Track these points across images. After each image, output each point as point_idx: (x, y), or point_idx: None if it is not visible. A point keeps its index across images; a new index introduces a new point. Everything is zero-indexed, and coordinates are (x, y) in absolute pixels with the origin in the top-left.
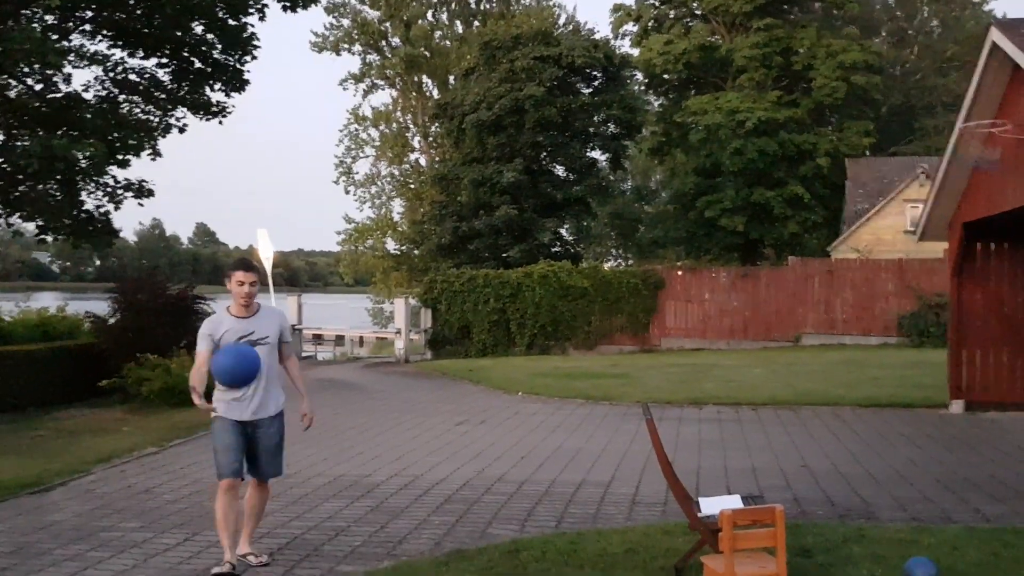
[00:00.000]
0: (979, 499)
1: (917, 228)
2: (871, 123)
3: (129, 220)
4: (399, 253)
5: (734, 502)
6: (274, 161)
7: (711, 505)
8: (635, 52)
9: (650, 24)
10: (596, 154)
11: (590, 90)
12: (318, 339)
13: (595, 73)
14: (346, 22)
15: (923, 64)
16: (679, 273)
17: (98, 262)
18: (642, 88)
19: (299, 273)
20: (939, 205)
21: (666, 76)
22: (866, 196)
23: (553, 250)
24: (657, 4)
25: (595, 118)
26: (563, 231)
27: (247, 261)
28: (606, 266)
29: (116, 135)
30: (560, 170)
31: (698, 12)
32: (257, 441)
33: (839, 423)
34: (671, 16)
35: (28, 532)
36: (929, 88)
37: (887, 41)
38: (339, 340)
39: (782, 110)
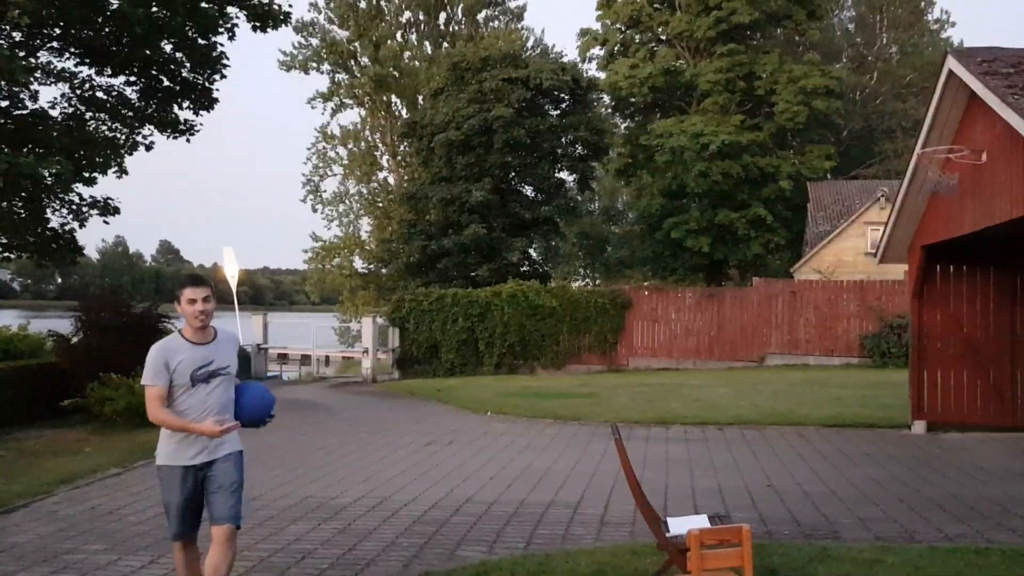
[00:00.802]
0: (941, 519)
1: (878, 250)
2: (832, 147)
3: (92, 237)
4: (367, 272)
5: (701, 522)
6: (240, 178)
7: (679, 525)
8: (602, 75)
9: (616, 48)
10: (564, 175)
11: (558, 112)
12: (283, 359)
13: (563, 95)
14: (315, 41)
15: (883, 89)
16: (646, 293)
17: (60, 280)
18: (609, 110)
19: (264, 291)
20: (899, 228)
21: (632, 99)
22: (828, 218)
23: (522, 269)
24: (623, 29)
25: (563, 139)
26: (532, 251)
27: (197, 276)
28: (574, 286)
29: (82, 152)
30: (529, 190)
31: (663, 37)
32: (212, 478)
33: (803, 443)
34: (636, 41)
35: None
36: (889, 113)
37: (847, 67)
38: (305, 359)
39: (745, 133)
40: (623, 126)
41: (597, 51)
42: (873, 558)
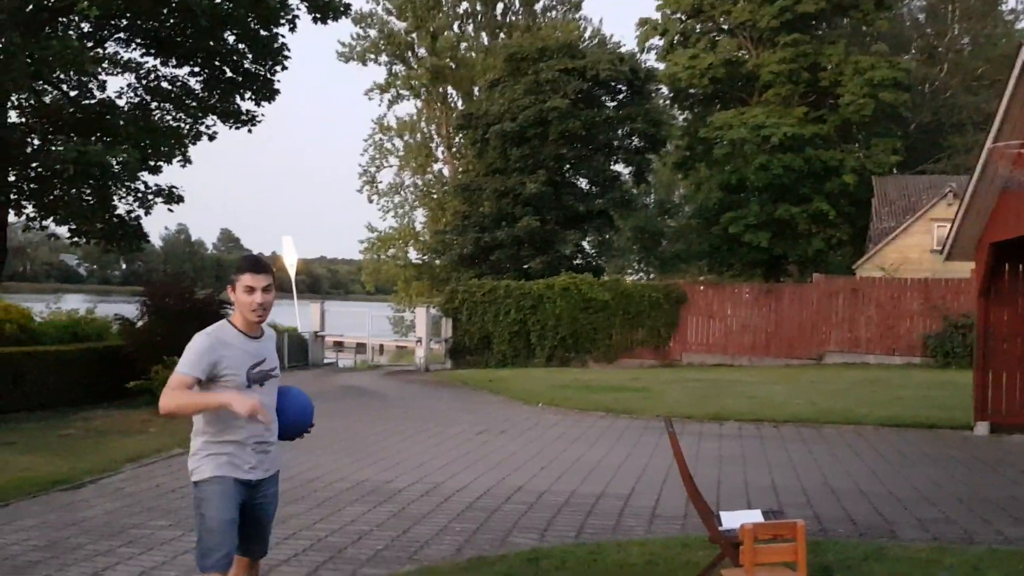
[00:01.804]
0: (1001, 520)
1: (944, 247)
2: (899, 141)
3: (155, 225)
4: (421, 263)
5: (755, 516)
6: (299, 169)
7: (732, 519)
8: (660, 66)
9: (676, 38)
10: (620, 167)
11: (615, 103)
12: (339, 346)
13: (620, 86)
14: (373, 32)
15: (953, 82)
16: (701, 288)
17: (124, 266)
18: (667, 102)
19: (321, 280)
20: (967, 225)
21: (691, 90)
22: (892, 214)
23: (575, 262)
24: (683, 18)
25: (619, 131)
26: (585, 244)
27: (257, 260)
28: (628, 280)
29: (148, 141)
30: (583, 183)
31: (725, 27)
32: (260, 508)
33: (861, 442)
34: (697, 30)
35: (60, 527)
36: (959, 106)
37: (916, 58)
38: (360, 348)
39: (808, 126)
40: (681, 118)
41: (656, 41)
42: (930, 558)
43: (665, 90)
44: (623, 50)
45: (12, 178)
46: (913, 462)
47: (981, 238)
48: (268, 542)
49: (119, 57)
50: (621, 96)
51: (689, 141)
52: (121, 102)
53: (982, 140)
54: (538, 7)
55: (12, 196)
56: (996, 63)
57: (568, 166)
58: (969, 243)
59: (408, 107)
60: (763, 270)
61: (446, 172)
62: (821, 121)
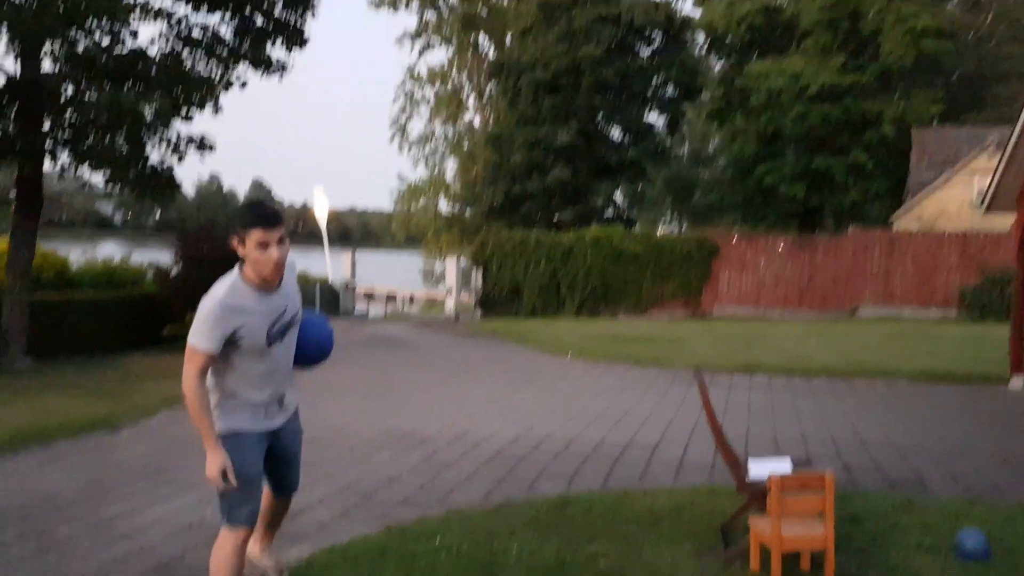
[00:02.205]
0: None
1: (984, 199)
2: (940, 91)
3: (189, 174)
4: (451, 213)
5: (783, 466)
6: (330, 118)
7: (760, 469)
8: (697, 13)
9: None
10: (653, 117)
11: (649, 52)
12: (369, 297)
13: (655, 34)
14: None
15: (997, 31)
16: (734, 240)
17: (158, 214)
18: (703, 50)
19: (352, 231)
20: (1007, 177)
21: (728, 39)
22: (932, 166)
23: (606, 214)
24: None
25: (653, 80)
26: (617, 195)
27: (268, 209)
28: (660, 231)
29: (180, 89)
30: (616, 133)
31: None
32: (283, 446)
33: (893, 395)
34: None
35: (99, 468)
36: (1003, 56)
37: (960, 7)
38: (390, 298)
39: (847, 76)
40: (717, 67)
41: None
42: (960, 511)
43: (701, 38)
44: None
45: (47, 126)
46: (945, 416)
47: (1021, 190)
48: (297, 476)
49: (150, 5)
50: (656, 44)
51: (725, 90)
52: (153, 50)
53: None
54: None
55: (48, 144)
56: None
57: (601, 116)
58: (1009, 195)
59: (439, 55)
60: (798, 222)
61: (477, 122)
62: (860, 70)
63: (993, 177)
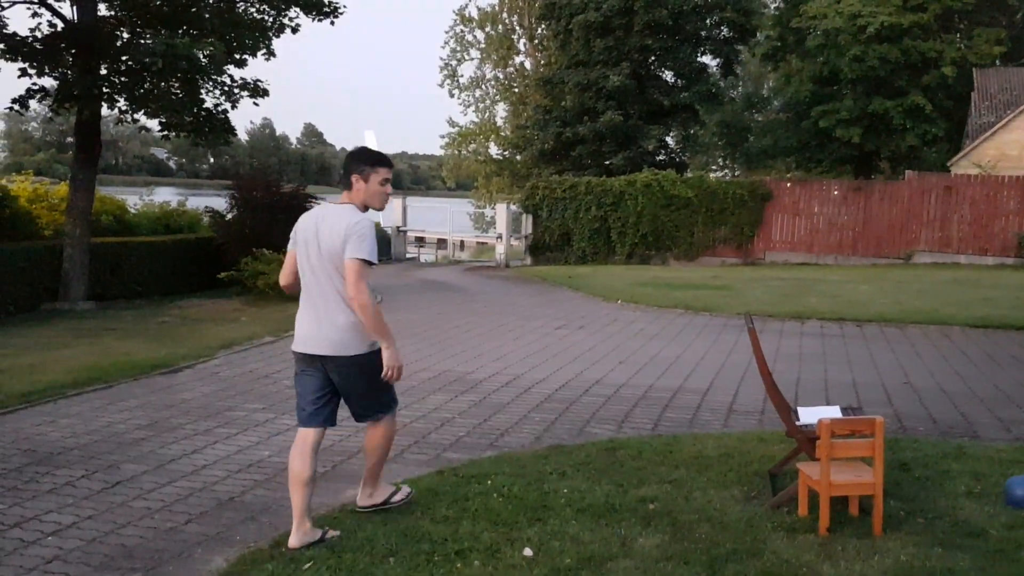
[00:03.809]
0: None
1: None
2: (1003, 31)
3: (241, 120)
4: (501, 158)
5: (833, 412)
6: (381, 62)
7: (809, 415)
8: None
9: None
10: (707, 59)
11: None
12: (420, 241)
13: None
14: None
15: None
16: (788, 185)
17: (212, 160)
18: None
19: (402, 176)
20: None
21: None
22: (992, 109)
23: (658, 158)
24: None
25: (707, 21)
26: (669, 139)
27: (383, 154)
28: (712, 176)
29: (233, 35)
30: (668, 75)
31: None
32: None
33: (947, 343)
34: None
35: (161, 408)
36: None
37: None
38: (441, 243)
39: (907, 15)
40: (773, 6)
41: None
42: (1011, 458)
43: None
44: None
45: (104, 71)
46: (1000, 363)
47: None
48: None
49: None
50: None
51: (780, 31)
52: None
53: None
54: None
55: (105, 89)
56: None
57: (653, 58)
58: None
59: None
60: (853, 167)
61: (528, 65)
62: (921, 10)
63: None
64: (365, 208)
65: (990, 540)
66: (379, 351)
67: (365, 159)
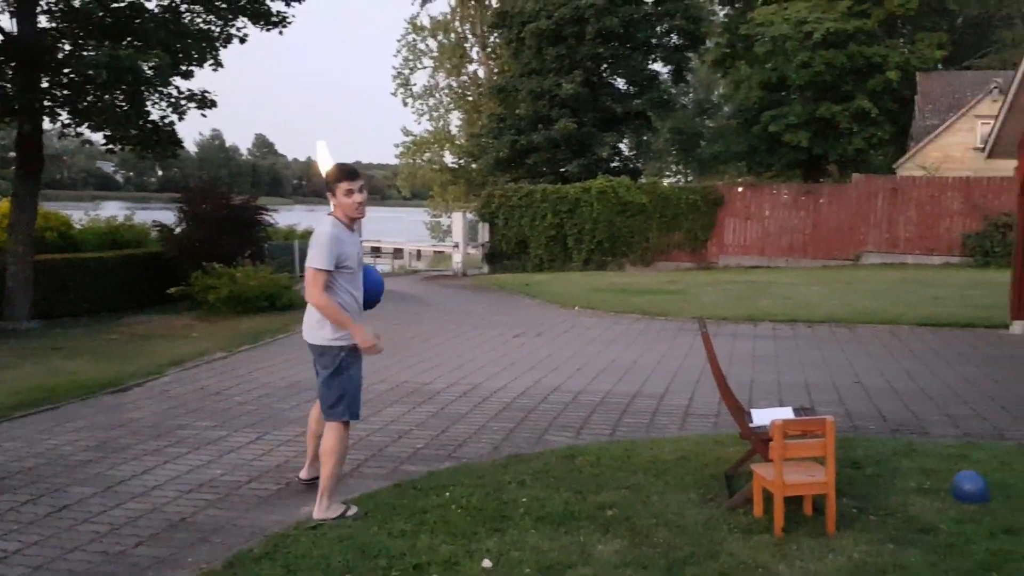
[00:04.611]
0: None
1: (986, 145)
2: (945, 35)
3: (190, 131)
4: (457, 167)
5: (785, 413)
6: (333, 72)
7: (763, 416)
8: None
9: None
10: (658, 67)
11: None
12: (376, 252)
13: None
14: None
15: None
16: (739, 189)
17: (160, 172)
18: None
19: None
20: (1010, 121)
21: None
22: (936, 112)
23: (612, 165)
24: None
25: (658, 29)
26: (622, 146)
27: (350, 167)
28: (665, 182)
29: (179, 45)
30: (621, 83)
31: None
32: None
33: (896, 342)
34: None
35: (109, 428)
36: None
37: None
38: (397, 253)
39: (852, 21)
40: (722, 14)
41: None
42: (959, 453)
43: None
44: None
45: (45, 84)
46: (947, 361)
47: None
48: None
49: None
50: None
51: (729, 38)
52: (151, 5)
53: None
54: None
55: (46, 103)
56: None
57: (605, 66)
58: (1012, 141)
59: (442, 5)
60: (802, 170)
61: (481, 73)
62: (865, 16)
63: (995, 124)
64: (349, 219)
65: (940, 535)
66: (339, 347)
67: (331, 177)
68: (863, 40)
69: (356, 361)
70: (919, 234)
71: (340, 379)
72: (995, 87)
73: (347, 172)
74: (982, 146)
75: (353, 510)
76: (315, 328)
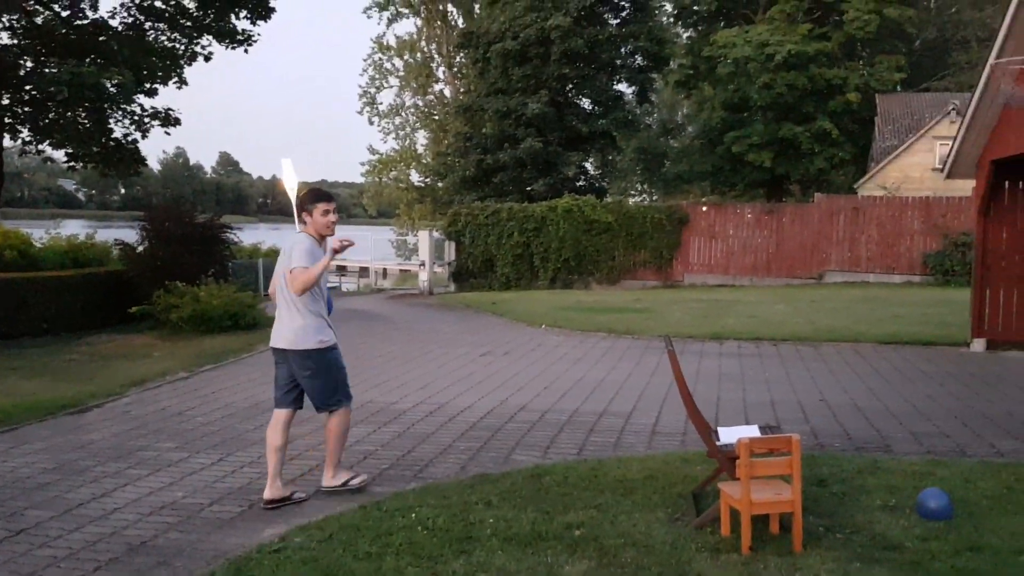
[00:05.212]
0: (995, 435)
1: (945, 165)
2: (903, 58)
3: (154, 149)
4: (423, 185)
5: (751, 432)
6: (298, 90)
7: (729, 434)
8: None
9: None
10: (623, 87)
11: (618, 21)
12: (342, 270)
13: (623, 3)
14: None
15: None
16: (704, 209)
17: (123, 190)
18: (671, 19)
19: None
20: (968, 142)
21: (695, 7)
22: (895, 132)
23: (578, 184)
24: None
25: (622, 50)
26: (588, 165)
27: (323, 190)
28: (631, 201)
29: (143, 63)
30: (586, 103)
31: None
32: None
33: (859, 359)
34: None
35: (68, 450)
36: (964, 22)
37: None
38: (363, 271)
39: (812, 43)
40: (685, 36)
41: None
42: (923, 471)
43: (669, 7)
44: None
45: (6, 101)
46: (910, 378)
47: (981, 156)
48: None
49: None
50: (624, 13)
51: (692, 60)
52: (114, 22)
53: (986, 56)
54: None
55: (7, 120)
56: None
57: (571, 86)
58: (970, 161)
59: (408, 25)
60: (765, 190)
61: (447, 93)
62: (825, 38)
63: (953, 143)
64: (321, 237)
65: (906, 552)
66: (326, 348)
67: (308, 199)
68: (824, 62)
69: (337, 352)
70: (880, 253)
71: (330, 374)
72: (953, 108)
73: (325, 194)
74: (941, 166)
75: (359, 479)
76: (298, 335)
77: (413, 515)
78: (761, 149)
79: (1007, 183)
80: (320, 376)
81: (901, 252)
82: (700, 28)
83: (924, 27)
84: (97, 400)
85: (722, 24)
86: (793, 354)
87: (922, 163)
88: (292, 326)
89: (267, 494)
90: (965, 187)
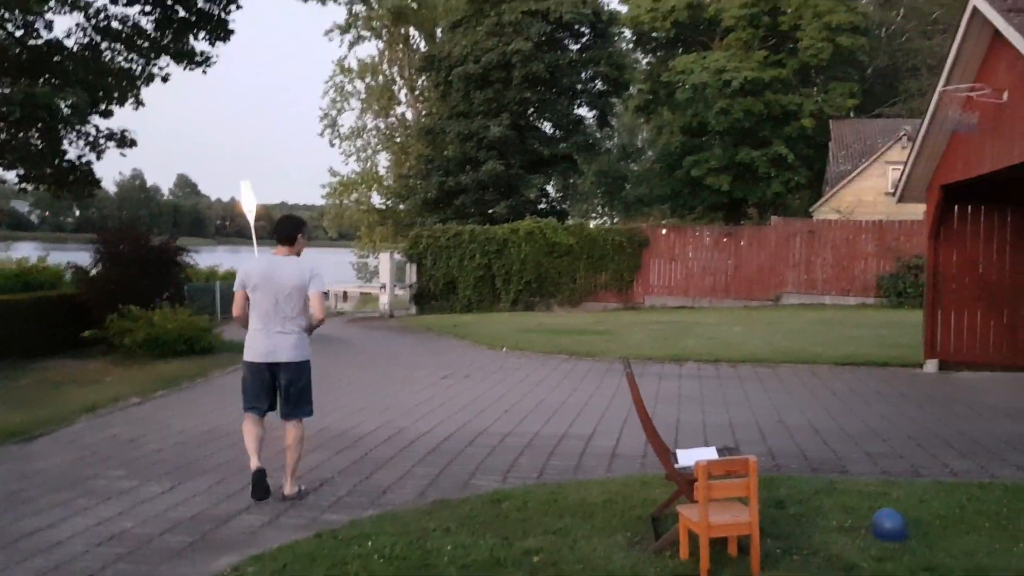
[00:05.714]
0: (948, 455)
1: (897, 190)
2: (856, 84)
3: (109, 170)
4: (384, 207)
5: (710, 454)
6: (258, 112)
7: (688, 456)
8: (623, 9)
9: None
10: (583, 111)
11: (578, 46)
12: None
13: (583, 29)
14: None
15: (909, 26)
16: (663, 232)
17: (78, 212)
18: (630, 46)
19: None
20: (918, 167)
21: (654, 34)
22: (849, 157)
23: (539, 207)
24: None
25: (582, 75)
26: (549, 188)
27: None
28: (592, 224)
29: (99, 84)
30: (547, 126)
31: None
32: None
33: (816, 380)
34: None
35: (14, 480)
36: (914, 50)
37: (874, 2)
38: (323, 294)
39: (768, 70)
40: (644, 62)
41: None
42: (879, 491)
43: (628, 33)
44: None
45: None
46: (865, 399)
47: (932, 180)
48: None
49: None
50: (584, 39)
51: (651, 85)
52: (70, 42)
53: (935, 84)
54: None
55: None
56: (951, 7)
57: (532, 110)
58: (920, 185)
59: (369, 48)
60: (724, 213)
61: (409, 115)
62: (780, 65)
63: (905, 168)
64: (298, 255)
65: (862, 573)
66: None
67: (302, 226)
68: (779, 88)
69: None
70: (835, 275)
71: (309, 383)
72: (904, 134)
73: (304, 222)
74: (893, 191)
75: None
76: (298, 349)
77: (369, 543)
78: (719, 173)
79: (956, 207)
80: (308, 384)
81: (856, 274)
82: (659, 54)
83: (876, 55)
84: (46, 428)
85: (680, 50)
86: (752, 375)
87: (875, 187)
88: (292, 340)
89: (287, 490)
90: (917, 211)
